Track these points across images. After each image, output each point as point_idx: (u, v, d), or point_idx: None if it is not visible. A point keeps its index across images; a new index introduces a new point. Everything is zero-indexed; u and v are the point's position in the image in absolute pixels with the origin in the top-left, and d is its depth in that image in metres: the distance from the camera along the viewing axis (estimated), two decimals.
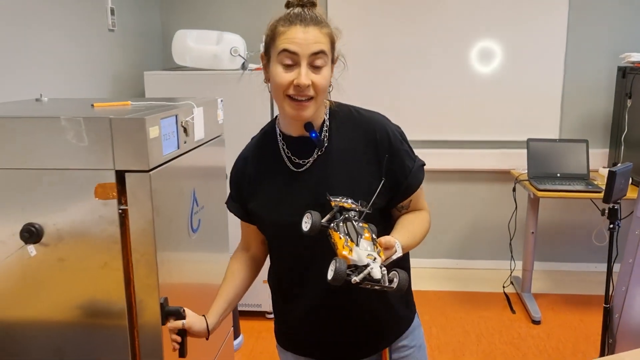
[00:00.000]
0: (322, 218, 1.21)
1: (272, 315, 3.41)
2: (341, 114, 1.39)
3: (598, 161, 3.85)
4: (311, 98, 1.26)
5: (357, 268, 1.09)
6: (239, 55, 3.21)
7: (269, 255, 1.52)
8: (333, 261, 1.09)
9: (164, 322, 1.55)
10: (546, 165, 3.56)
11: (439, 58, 3.96)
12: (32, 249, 1.49)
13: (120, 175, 1.46)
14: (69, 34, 2.79)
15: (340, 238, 1.14)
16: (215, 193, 2.08)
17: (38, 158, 1.46)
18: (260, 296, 3.37)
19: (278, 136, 1.39)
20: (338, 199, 1.25)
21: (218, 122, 2.08)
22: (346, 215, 1.20)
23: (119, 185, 1.46)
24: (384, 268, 1.10)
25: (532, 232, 3.61)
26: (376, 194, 1.28)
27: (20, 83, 2.36)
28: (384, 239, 1.18)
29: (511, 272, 3.87)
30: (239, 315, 3.26)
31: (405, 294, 1.49)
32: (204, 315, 1.42)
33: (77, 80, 2.87)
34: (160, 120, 1.52)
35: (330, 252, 1.14)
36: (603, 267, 4.08)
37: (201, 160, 1.91)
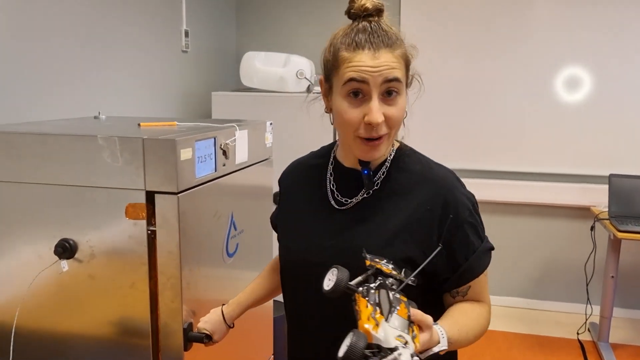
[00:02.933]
0: (351, 279, 0.95)
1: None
2: (407, 159, 1.18)
3: None
4: (384, 135, 1.07)
5: (380, 350, 0.84)
6: (305, 78, 3.20)
7: None
8: (351, 334, 0.83)
9: (186, 348, 1.52)
10: (630, 204, 3.27)
11: (520, 85, 3.77)
12: (64, 264, 1.51)
13: (151, 196, 1.45)
14: (144, 54, 2.89)
15: (367, 307, 0.89)
16: (259, 216, 2.04)
17: (76, 175, 1.48)
18: None
19: (330, 164, 1.23)
20: (377, 260, 1.00)
21: (266, 146, 2.05)
22: (382, 282, 0.95)
23: (149, 206, 1.46)
24: (416, 359, 0.85)
25: (612, 276, 3.31)
26: (426, 262, 1.01)
27: (93, 101, 2.46)
28: (421, 315, 0.93)
29: (587, 318, 3.56)
30: None
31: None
32: (221, 309, 1.40)
33: (147, 98, 2.97)
34: (195, 143, 1.51)
35: (348, 316, 0.91)
36: None
37: (243, 183, 1.88)
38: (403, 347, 0.84)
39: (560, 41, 3.67)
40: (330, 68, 1.10)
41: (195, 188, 1.53)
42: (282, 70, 3.27)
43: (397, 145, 1.20)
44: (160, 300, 1.50)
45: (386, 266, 0.99)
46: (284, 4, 4.03)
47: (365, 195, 1.15)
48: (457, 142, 3.88)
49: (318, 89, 3.53)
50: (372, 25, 1.06)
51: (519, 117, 3.78)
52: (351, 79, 1.04)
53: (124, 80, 2.74)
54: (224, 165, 1.70)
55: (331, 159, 1.24)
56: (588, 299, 3.49)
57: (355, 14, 1.09)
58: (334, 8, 3.94)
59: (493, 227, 3.91)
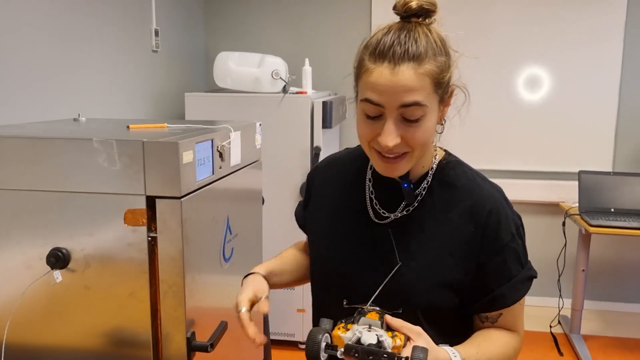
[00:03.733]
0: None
1: (304, 346, 3.31)
2: (451, 172, 1.10)
3: None
4: (405, 153, 0.99)
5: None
6: (280, 78, 3.16)
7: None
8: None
9: (189, 358, 1.47)
10: (599, 200, 3.37)
11: (487, 85, 3.83)
12: (58, 274, 1.44)
13: (151, 201, 1.39)
14: (112, 55, 2.79)
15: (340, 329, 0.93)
16: (251, 220, 2.00)
17: (68, 180, 1.41)
18: (293, 325, 3.27)
19: (369, 169, 1.14)
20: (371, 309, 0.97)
21: (256, 147, 2.01)
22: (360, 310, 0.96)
23: (149, 212, 1.40)
24: (384, 336, 0.88)
25: (583, 270, 3.40)
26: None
27: (61, 102, 2.35)
28: (402, 323, 0.92)
29: (559, 311, 3.65)
30: (271, 344, 3.16)
31: None
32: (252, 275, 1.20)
33: (119, 100, 2.87)
34: (195, 145, 1.46)
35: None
36: None
37: (237, 186, 1.84)
38: (367, 330, 0.87)
39: (525, 40, 3.75)
40: (356, 73, 1.02)
41: (196, 192, 1.48)
42: (256, 70, 3.22)
43: (440, 154, 1.12)
44: (162, 309, 1.44)
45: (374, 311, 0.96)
46: (253, 3, 3.97)
47: (405, 212, 1.07)
48: None
49: (294, 89, 3.51)
50: (403, 34, 0.95)
51: (488, 116, 3.85)
52: (367, 99, 0.96)
53: (95, 81, 2.64)
54: (220, 167, 1.65)
55: (370, 164, 1.14)
56: (560, 293, 3.57)
57: (398, 11, 0.99)
58: (303, 7, 3.92)
59: None
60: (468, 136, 3.88)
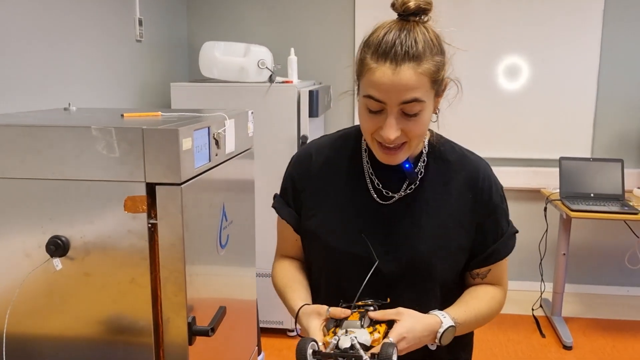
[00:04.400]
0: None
1: (294, 333, 3.34)
2: (442, 148, 1.21)
3: (633, 181, 3.73)
4: (403, 144, 1.08)
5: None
6: (266, 67, 3.17)
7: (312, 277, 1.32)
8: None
9: (190, 342, 1.49)
10: (579, 185, 3.45)
11: (468, 73, 3.86)
12: (57, 262, 1.44)
13: (151, 188, 1.40)
14: (96, 44, 2.77)
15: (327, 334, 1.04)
16: (244, 207, 2.02)
17: (67, 168, 1.41)
18: (282, 313, 3.30)
19: (363, 151, 1.19)
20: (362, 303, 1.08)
21: (248, 135, 2.02)
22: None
23: (149, 199, 1.41)
24: (362, 336, 0.98)
25: (564, 254, 3.49)
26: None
27: (46, 92, 2.34)
28: (382, 313, 1.02)
29: (541, 295, 3.75)
30: (260, 332, 3.19)
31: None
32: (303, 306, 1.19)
33: (103, 90, 2.85)
34: (194, 132, 1.47)
35: (392, 296, 1.06)
36: (636, 291, 3.95)
37: (231, 174, 1.85)
38: (344, 335, 0.97)
39: (506, 30, 3.81)
40: (358, 70, 1.08)
41: (194, 179, 1.49)
42: (242, 60, 3.23)
43: (429, 135, 1.21)
44: (163, 295, 1.45)
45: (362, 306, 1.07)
46: None
47: (409, 191, 1.15)
48: None
49: (279, 78, 3.52)
50: (403, 34, 1.02)
51: (470, 105, 3.90)
52: (369, 96, 1.03)
53: (79, 71, 2.62)
54: (216, 155, 1.67)
55: (364, 148, 1.20)
56: (542, 276, 3.67)
57: (396, 10, 1.06)
58: None
59: None
60: (451, 125, 3.94)
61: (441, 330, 1.06)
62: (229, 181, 1.84)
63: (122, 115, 1.70)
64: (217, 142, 1.66)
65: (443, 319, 1.07)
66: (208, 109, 1.97)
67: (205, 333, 1.47)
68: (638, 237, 3.61)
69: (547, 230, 3.65)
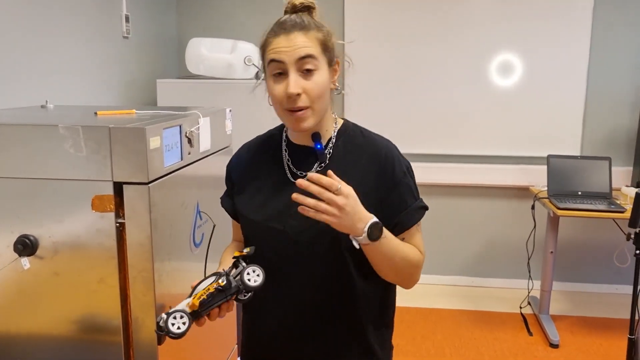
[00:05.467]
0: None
1: None
2: (350, 132, 1.34)
3: (621, 179, 3.72)
4: (307, 107, 1.20)
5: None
6: (253, 64, 3.16)
7: None
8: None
9: (160, 342, 1.48)
10: (567, 183, 3.45)
11: (458, 71, 3.87)
12: (25, 261, 1.44)
13: (119, 187, 1.39)
14: (83, 41, 2.76)
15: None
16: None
17: (35, 167, 1.41)
18: None
19: (283, 141, 1.35)
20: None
21: (226, 133, 2.01)
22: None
23: (117, 198, 1.40)
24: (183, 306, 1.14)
25: (552, 252, 3.49)
26: None
27: (31, 89, 2.32)
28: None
29: (529, 293, 3.74)
30: None
31: (379, 335, 1.37)
32: None
33: (89, 86, 2.84)
34: (163, 130, 1.46)
35: (307, 264, 1.21)
36: (624, 289, 3.94)
37: (207, 172, 1.84)
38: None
39: (495, 28, 3.80)
40: (262, 52, 1.25)
41: (164, 177, 1.49)
42: (229, 56, 3.21)
43: (340, 122, 1.35)
44: (132, 294, 1.45)
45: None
46: None
47: (319, 168, 1.27)
48: (400, 126, 3.95)
49: None
50: (290, 16, 1.22)
51: (459, 102, 3.89)
52: (272, 60, 1.19)
53: (65, 68, 2.61)
54: (189, 153, 1.66)
55: (284, 138, 1.35)
56: (529, 274, 3.66)
57: (287, 11, 1.25)
58: None
59: (437, 209, 4.02)
60: (440, 121, 3.94)
61: (371, 221, 1.14)
62: (205, 179, 1.83)
63: (96, 113, 1.70)
64: (189, 141, 1.65)
65: (372, 218, 1.16)
66: (189, 107, 1.97)
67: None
68: (626, 234, 3.60)
69: (535, 228, 3.64)
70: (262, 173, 1.34)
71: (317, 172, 1.25)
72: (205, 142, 1.78)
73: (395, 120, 3.95)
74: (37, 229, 1.44)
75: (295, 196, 1.11)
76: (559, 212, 3.19)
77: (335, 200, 1.09)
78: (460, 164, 3.96)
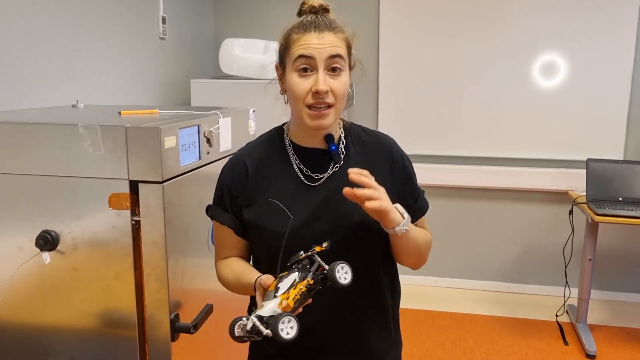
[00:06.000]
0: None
1: None
2: (354, 131, 1.35)
3: None
4: (330, 106, 1.20)
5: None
6: None
7: None
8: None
9: (173, 339, 1.50)
10: (607, 188, 3.32)
11: (498, 71, 3.79)
12: (46, 256, 1.48)
13: (135, 186, 1.42)
14: (120, 42, 2.83)
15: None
16: None
17: (56, 165, 1.45)
18: None
19: (288, 146, 1.31)
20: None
21: (249, 133, 2.03)
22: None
23: (133, 196, 1.43)
24: (274, 307, 1.03)
25: (590, 259, 3.37)
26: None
27: (70, 88, 2.40)
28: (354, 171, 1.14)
29: (565, 300, 3.63)
30: None
31: (395, 321, 1.40)
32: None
33: (125, 87, 2.91)
34: (179, 130, 1.48)
35: (340, 292, 1.09)
36: None
37: None
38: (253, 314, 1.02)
39: (538, 26, 3.70)
40: (283, 51, 1.24)
41: (180, 177, 1.51)
42: (262, 57, 3.23)
43: (342, 123, 1.35)
44: (146, 291, 1.47)
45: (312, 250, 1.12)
46: None
47: (335, 169, 1.28)
48: (435, 128, 3.90)
49: None
50: (317, 16, 1.22)
51: (498, 102, 3.81)
52: (300, 56, 1.18)
53: (102, 68, 2.68)
54: (208, 153, 1.68)
55: (288, 143, 1.32)
56: (566, 281, 3.55)
57: (305, 12, 1.25)
58: None
59: (472, 213, 3.96)
60: (477, 123, 3.86)
61: (397, 204, 1.19)
62: None
63: (120, 113, 1.73)
64: (208, 140, 1.67)
65: (405, 215, 1.19)
66: (216, 107, 1.99)
67: (187, 330, 1.48)
68: None
69: (573, 234, 3.52)
70: (272, 182, 1.28)
71: (334, 172, 1.28)
72: (225, 142, 1.79)
73: (432, 122, 3.90)
74: (58, 225, 1.48)
75: (347, 190, 1.12)
76: (597, 218, 3.08)
77: (376, 185, 1.13)
78: (497, 166, 3.87)
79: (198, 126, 1.60)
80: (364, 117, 3.96)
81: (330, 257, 1.14)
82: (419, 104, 3.91)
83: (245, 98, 3.16)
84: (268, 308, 1.03)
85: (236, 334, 1.04)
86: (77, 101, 2.07)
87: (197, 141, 1.60)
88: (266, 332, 0.99)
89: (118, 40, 2.82)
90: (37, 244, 1.47)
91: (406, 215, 1.19)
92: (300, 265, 1.10)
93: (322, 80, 1.17)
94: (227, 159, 1.82)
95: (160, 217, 1.42)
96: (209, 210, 1.35)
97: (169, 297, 1.47)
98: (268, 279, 1.10)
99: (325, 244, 1.13)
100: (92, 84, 2.60)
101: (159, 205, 1.42)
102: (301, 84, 1.19)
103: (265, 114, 2.96)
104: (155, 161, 1.39)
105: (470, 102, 3.85)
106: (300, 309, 1.07)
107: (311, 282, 1.07)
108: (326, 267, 1.08)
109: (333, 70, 1.19)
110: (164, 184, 1.41)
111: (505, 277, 4.04)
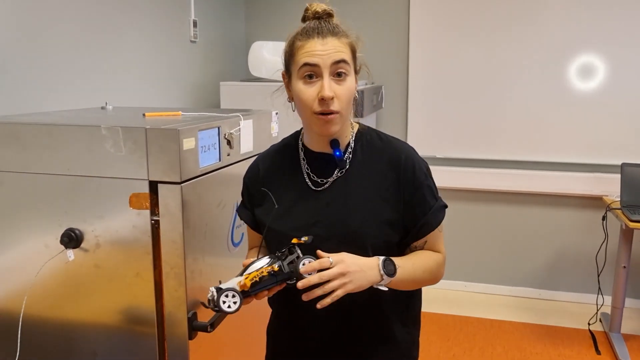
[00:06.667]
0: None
1: None
2: (367, 137, 1.34)
3: None
4: (337, 112, 1.21)
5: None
6: None
7: None
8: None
9: (191, 337, 1.53)
10: None
11: (532, 73, 3.72)
12: (70, 253, 1.53)
13: (154, 186, 1.45)
14: (152, 45, 2.90)
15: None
16: None
17: (79, 165, 1.49)
18: None
19: (300, 150, 1.35)
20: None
21: (272, 135, 2.05)
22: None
23: (153, 196, 1.46)
24: (233, 284, 1.15)
25: (624, 267, 3.27)
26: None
27: (102, 91, 2.47)
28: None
29: (598, 309, 3.53)
30: None
31: (407, 332, 1.39)
32: None
33: (156, 89, 2.98)
34: (198, 132, 1.51)
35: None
36: None
37: None
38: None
39: (573, 27, 3.62)
40: (288, 59, 1.26)
41: (199, 178, 1.53)
42: None
43: (356, 127, 1.35)
44: (165, 289, 1.51)
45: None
46: None
47: (339, 174, 1.29)
48: (468, 131, 3.85)
49: None
50: (321, 22, 1.23)
51: (531, 105, 3.74)
52: (305, 64, 1.19)
53: (133, 70, 2.75)
54: (228, 155, 1.70)
55: (300, 147, 1.35)
56: (599, 289, 3.46)
57: (308, 17, 1.26)
58: None
59: (504, 217, 3.89)
60: (510, 126, 3.80)
61: (380, 261, 1.18)
62: None
63: (144, 115, 1.77)
64: (229, 142, 1.69)
65: (377, 259, 1.19)
66: (242, 109, 2.02)
67: (204, 329, 1.51)
68: None
69: (606, 240, 3.43)
70: (281, 183, 1.34)
71: (338, 177, 1.30)
72: (247, 144, 1.82)
73: (463, 124, 3.86)
74: (81, 224, 1.53)
75: (305, 296, 1.13)
76: (631, 225, 2.99)
77: (334, 272, 1.12)
78: (529, 170, 3.80)
79: (218, 128, 1.63)
80: (393, 119, 3.95)
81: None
82: (449, 107, 3.87)
83: (275, 100, 3.18)
84: (229, 282, 1.15)
85: (205, 303, 1.17)
86: (106, 103, 2.13)
87: (218, 143, 1.63)
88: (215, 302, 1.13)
89: (150, 43, 2.89)
90: (62, 242, 1.52)
91: (381, 270, 1.18)
92: (279, 254, 1.18)
93: (327, 87, 1.18)
94: (248, 160, 1.85)
95: (178, 217, 1.45)
96: (239, 211, 1.46)
97: (186, 295, 1.50)
98: (248, 260, 1.19)
99: (304, 238, 1.18)
100: (124, 86, 2.67)
101: (177, 206, 1.45)
102: (307, 92, 1.20)
103: (290, 117, 2.99)
104: (173, 162, 1.42)
105: (503, 104, 3.79)
106: (266, 292, 1.17)
107: (276, 269, 1.15)
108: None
109: (338, 76, 1.20)
110: (182, 184, 1.44)
111: (536, 283, 3.96)
